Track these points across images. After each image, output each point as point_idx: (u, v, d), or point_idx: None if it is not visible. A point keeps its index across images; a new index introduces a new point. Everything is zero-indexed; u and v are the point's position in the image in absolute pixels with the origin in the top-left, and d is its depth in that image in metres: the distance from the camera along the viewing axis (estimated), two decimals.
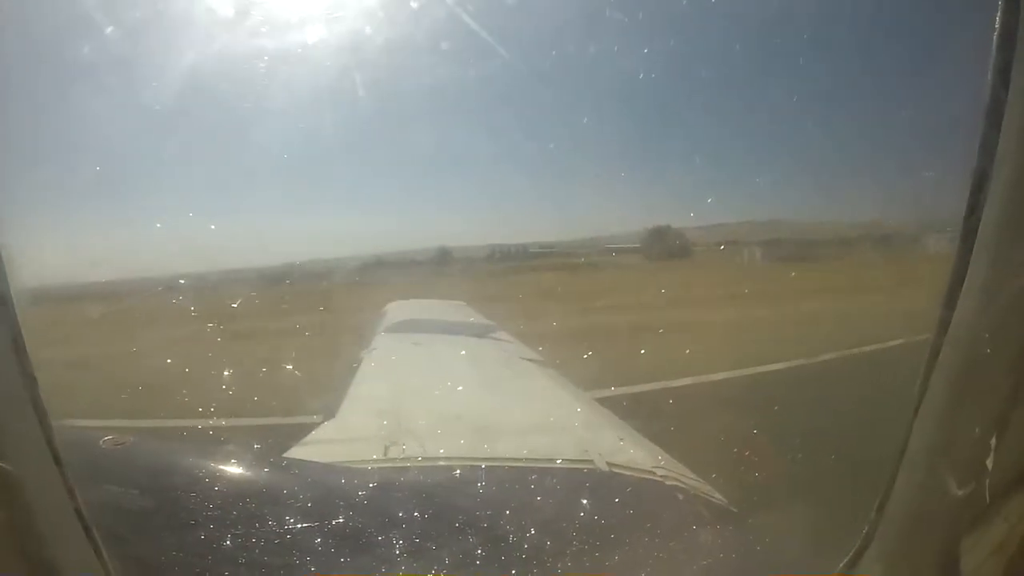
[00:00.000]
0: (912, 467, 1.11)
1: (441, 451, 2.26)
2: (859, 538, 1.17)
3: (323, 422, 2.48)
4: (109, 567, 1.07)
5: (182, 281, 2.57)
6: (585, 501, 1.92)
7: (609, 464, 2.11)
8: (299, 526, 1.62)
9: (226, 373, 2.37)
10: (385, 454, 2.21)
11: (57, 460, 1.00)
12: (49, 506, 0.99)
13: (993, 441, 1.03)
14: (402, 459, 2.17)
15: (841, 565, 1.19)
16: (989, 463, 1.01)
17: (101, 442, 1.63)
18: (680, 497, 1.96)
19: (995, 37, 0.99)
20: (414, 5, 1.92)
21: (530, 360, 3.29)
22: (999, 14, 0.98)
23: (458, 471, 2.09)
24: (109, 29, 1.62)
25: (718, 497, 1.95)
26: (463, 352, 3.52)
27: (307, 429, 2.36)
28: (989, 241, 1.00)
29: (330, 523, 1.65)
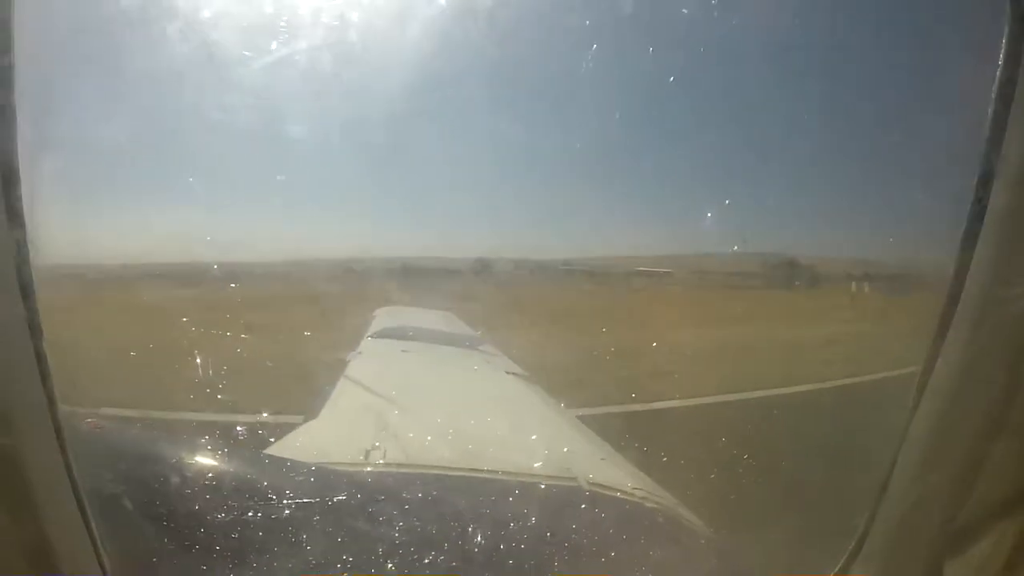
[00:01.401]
0: (898, 491, 1.14)
1: (422, 459, 2.25)
2: (844, 556, 1.19)
3: (306, 422, 2.46)
4: (104, 559, 1.05)
5: (215, 267, 2.55)
6: (565, 518, 1.92)
7: (591, 483, 2.12)
8: (283, 522, 1.61)
9: (222, 368, 2.35)
10: (366, 458, 2.20)
11: (63, 447, 0.99)
12: (51, 492, 0.98)
13: (979, 464, 1.06)
14: (382, 464, 2.16)
15: None
16: (974, 487, 1.04)
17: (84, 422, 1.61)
18: (660, 520, 1.98)
19: (998, 72, 1.02)
20: (427, 12, 1.95)
21: (515, 374, 3.30)
22: (1004, 42, 1.01)
23: (438, 480, 2.09)
24: (140, 27, 1.64)
25: (698, 520, 1.96)
26: (449, 362, 3.52)
27: (292, 427, 2.35)
28: (982, 274, 1.04)
29: (313, 523, 1.64)
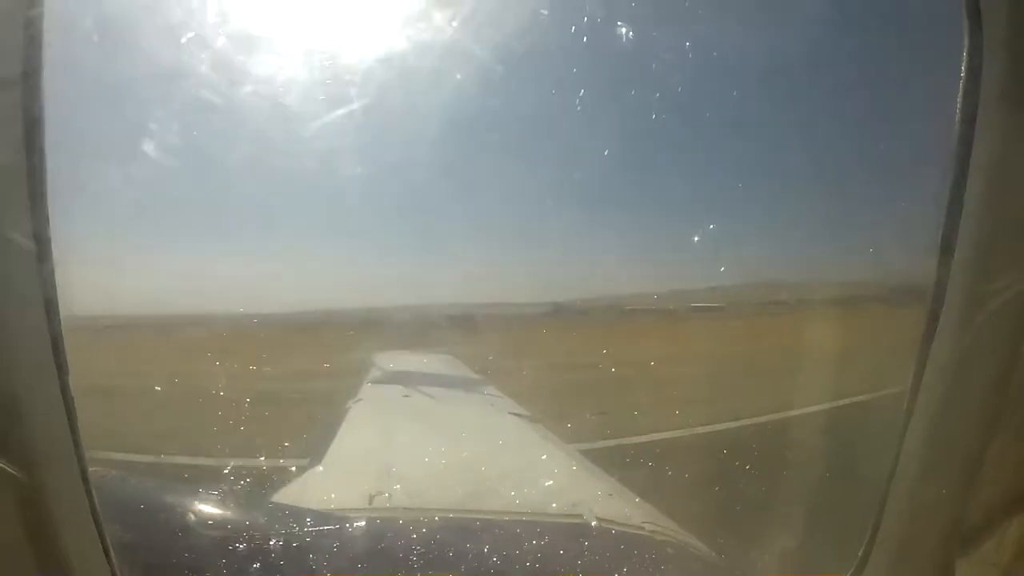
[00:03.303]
0: (900, 500, 1.16)
1: (428, 503, 2.24)
2: (851, 569, 1.20)
3: (309, 469, 2.45)
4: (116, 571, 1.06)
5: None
6: (574, 555, 1.91)
7: (599, 519, 2.11)
8: (292, 564, 1.60)
9: (233, 413, 2.37)
10: (370, 503, 2.19)
11: (86, 485, 1.01)
12: (74, 527, 0.99)
13: (979, 464, 1.08)
14: (388, 509, 2.15)
15: None
16: (977, 487, 1.06)
17: None
18: (670, 551, 1.96)
19: (960, 85, 1.09)
20: (435, 50, 2.04)
21: (518, 415, 3.30)
22: (964, 64, 1.09)
23: (445, 524, 2.07)
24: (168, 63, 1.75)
25: (707, 551, 1.95)
26: (452, 405, 3.52)
27: (296, 473, 2.34)
28: (963, 273, 1.08)
29: (323, 564, 1.63)
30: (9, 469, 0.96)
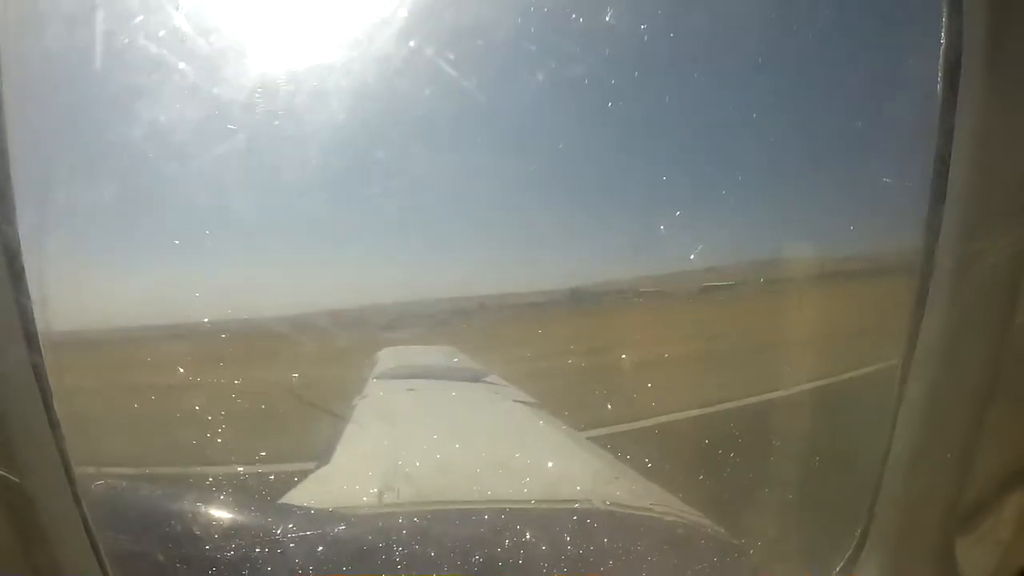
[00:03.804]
0: (895, 479, 1.14)
1: (436, 495, 2.24)
2: (850, 548, 1.18)
3: (318, 467, 2.46)
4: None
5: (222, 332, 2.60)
6: (585, 540, 1.90)
7: (606, 502, 2.11)
8: (295, 559, 1.60)
9: (228, 418, 2.37)
10: (380, 499, 2.19)
11: (68, 469, 1.00)
12: (55, 510, 0.99)
13: (974, 441, 1.06)
14: (397, 503, 2.15)
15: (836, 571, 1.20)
16: (974, 464, 1.04)
17: None
18: (680, 532, 1.96)
19: (941, 52, 1.07)
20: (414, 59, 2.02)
21: (524, 402, 3.30)
22: (943, 44, 1.07)
23: (454, 516, 2.08)
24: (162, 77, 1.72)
25: (718, 529, 1.95)
26: (457, 397, 3.52)
27: (302, 474, 2.34)
28: (950, 237, 1.06)
29: (326, 564, 1.63)
30: (2, 472, 0.96)
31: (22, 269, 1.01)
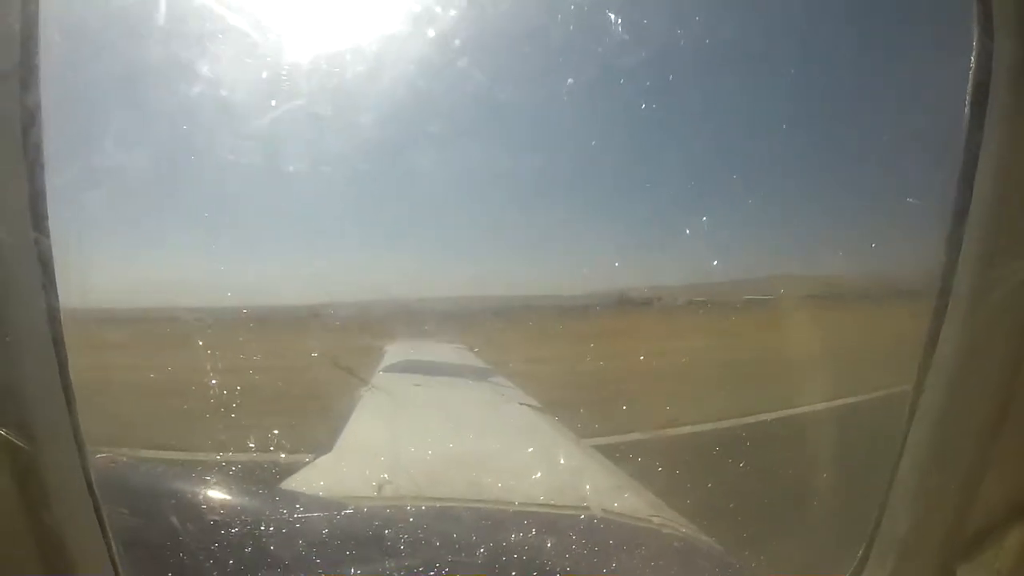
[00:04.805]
0: (901, 502, 1.13)
1: (436, 492, 2.25)
2: (852, 565, 1.17)
3: (320, 457, 2.48)
4: (117, 561, 1.08)
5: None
6: (581, 547, 1.90)
7: (605, 511, 2.10)
8: (292, 548, 1.62)
9: (234, 405, 2.41)
10: (380, 492, 2.20)
11: (77, 437, 1.03)
12: (68, 495, 1.01)
13: (982, 469, 1.05)
14: (397, 498, 2.16)
15: None
16: (979, 492, 1.03)
17: None
18: (677, 545, 1.95)
19: (970, 76, 1.05)
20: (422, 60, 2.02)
21: (528, 405, 3.29)
22: (972, 65, 1.05)
23: (451, 513, 2.08)
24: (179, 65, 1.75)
25: (714, 544, 1.93)
26: (462, 395, 3.53)
27: (302, 463, 2.37)
28: (970, 261, 1.04)
29: (325, 554, 1.65)
30: (10, 438, 0.98)
31: (49, 247, 1.05)
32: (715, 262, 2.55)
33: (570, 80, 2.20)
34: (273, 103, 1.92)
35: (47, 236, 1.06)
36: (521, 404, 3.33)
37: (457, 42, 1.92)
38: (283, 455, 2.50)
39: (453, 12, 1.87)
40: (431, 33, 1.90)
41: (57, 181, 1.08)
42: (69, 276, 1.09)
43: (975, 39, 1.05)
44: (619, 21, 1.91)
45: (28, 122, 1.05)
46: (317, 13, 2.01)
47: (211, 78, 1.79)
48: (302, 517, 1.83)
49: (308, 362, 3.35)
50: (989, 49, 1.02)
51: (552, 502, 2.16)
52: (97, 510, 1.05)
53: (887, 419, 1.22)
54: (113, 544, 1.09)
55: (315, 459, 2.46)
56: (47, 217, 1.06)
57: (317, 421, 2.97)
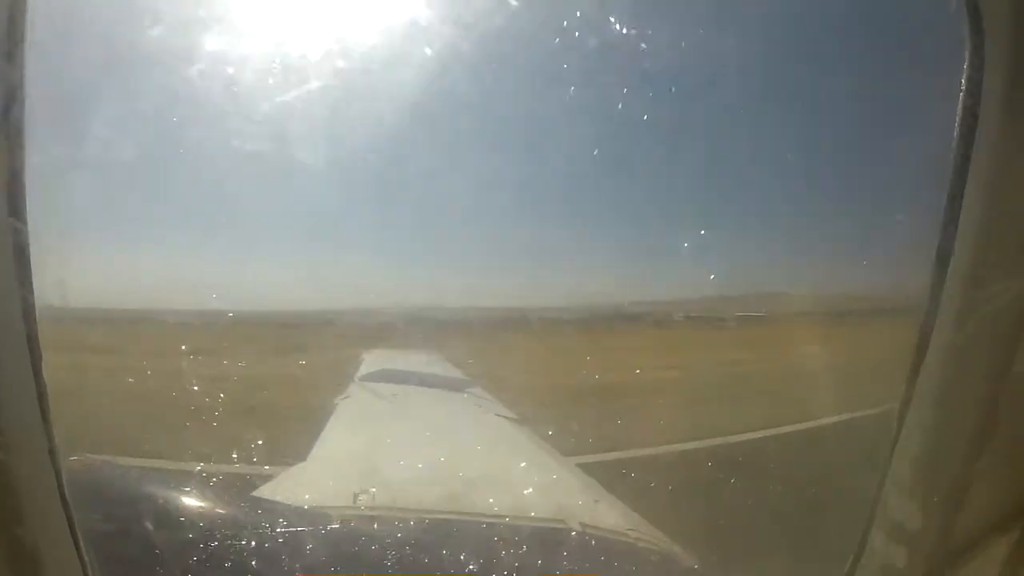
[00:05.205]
0: (890, 512, 1.14)
1: (411, 502, 2.22)
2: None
3: (293, 465, 2.43)
4: (88, 565, 1.04)
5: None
6: (555, 561, 1.89)
7: (582, 524, 2.10)
8: (267, 558, 1.58)
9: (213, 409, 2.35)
10: (354, 501, 2.17)
11: (55, 460, 0.99)
12: (40, 503, 0.97)
13: (967, 486, 1.07)
14: (370, 508, 2.13)
15: None
16: (965, 505, 1.05)
17: None
18: (653, 560, 1.95)
19: (960, 95, 1.07)
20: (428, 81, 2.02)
21: (505, 417, 3.28)
22: (962, 87, 1.07)
23: (425, 525, 2.05)
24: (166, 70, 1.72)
25: (691, 560, 1.94)
26: (438, 405, 3.50)
27: (276, 472, 2.32)
28: (958, 278, 1.07)
29: (297, 563, 1.61)
30: None
31: (26, 235, 1.00)
32: (712, 276, 2.59)
33: (569, 94, 2.23)
34: (271, 104, 1.90)
35: (24, 223, 1.00)
36: (497, 416, 3.32)
37: (459, 56, 1.93)
38: (262, 464, 2.44)
39: (458, 25, 1.88)
40: (435, 47, 1.91)
41: (37, 167, 1.03)
42: (46, 270, 1.04)
43: (966, 63, 1.07)
44: (625, 36, 1.94)
45: (9, 99, 0.99)
46: (320, 12, 2.00)
47: (208, 66, 1.76)
48: (279, 528, 1.79)
49: (291, 369, 3.30)
50: (979, 77, 1.05)
51: (527, 515, 2.15)
52: (70, 521, 1.00)
53: (875, 433, 1.24)
54: (86, 556, 1.04)
55: (288, 468, 2.41)
56: (25, 203, 1.01)
57: (295, 430, 2.91)
